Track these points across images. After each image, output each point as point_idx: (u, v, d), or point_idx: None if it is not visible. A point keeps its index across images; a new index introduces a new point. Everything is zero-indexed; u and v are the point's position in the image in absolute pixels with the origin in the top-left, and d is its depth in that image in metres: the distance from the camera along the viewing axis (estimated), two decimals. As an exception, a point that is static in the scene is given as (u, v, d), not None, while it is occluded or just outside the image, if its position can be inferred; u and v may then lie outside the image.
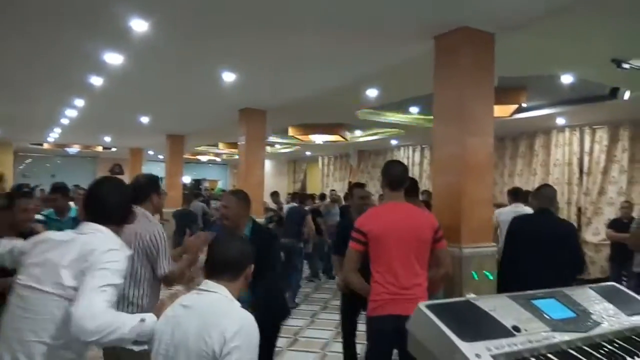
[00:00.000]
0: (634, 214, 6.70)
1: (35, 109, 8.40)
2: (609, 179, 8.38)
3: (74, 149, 15.62)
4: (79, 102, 7.66)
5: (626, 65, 4.70)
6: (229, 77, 5.63)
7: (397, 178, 3.02)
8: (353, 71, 5.34)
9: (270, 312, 2.98)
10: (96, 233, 1.83)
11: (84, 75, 5.81)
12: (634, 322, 1.59)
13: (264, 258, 2.89)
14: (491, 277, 3.81)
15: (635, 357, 1.41)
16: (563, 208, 8.71)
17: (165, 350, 1.65)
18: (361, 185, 4.70)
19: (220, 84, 5.88)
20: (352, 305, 3.99)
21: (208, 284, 1.73)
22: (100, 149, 15.74)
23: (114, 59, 5.02)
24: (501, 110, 7.00)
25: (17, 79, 6.32)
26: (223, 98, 6.76)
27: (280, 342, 4.06)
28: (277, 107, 7.23)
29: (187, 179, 17.08)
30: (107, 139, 13.11)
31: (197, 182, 19.28)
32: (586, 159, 8.67)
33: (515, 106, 7.16)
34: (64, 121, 9.58)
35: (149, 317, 1.72)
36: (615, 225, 6.59)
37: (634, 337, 1.52)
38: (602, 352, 1.39)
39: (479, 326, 1.32)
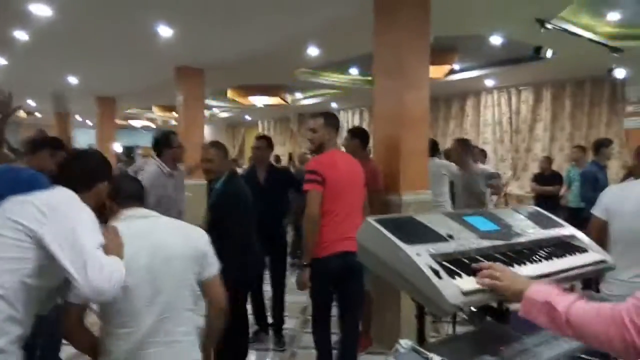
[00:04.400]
0: (554, 167, 7.32)
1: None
2: (535, 137, 9.04)
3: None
4: (0, 61, 7.16)
5: (549, 25, 5.05)
6: (165, 31, 5.47)
7: (338, 124, 3.19)
8: (293, 26, 5.35)
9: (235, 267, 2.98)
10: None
11: (6, 28, 5.43)
12: (548, 233, 1.83)
13: (224, 210, 3.00)
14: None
15: (549, 259, 1.64)
16: (497, 165, 9.34)
17: (151, 270, 1.75)
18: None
19: (156, 39, 5.70)
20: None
21: (140, 210, 1.92)
22: (23, 114, 14.73)
23: (40, 10, 4.74)
24: (435, 72, 7.28)
25: None
26: (158, 55, 6.55)
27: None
28: (215, 65, 7.12)
29: (118, 147, 16.01)
30: (31, 102, 12.31)
31: (128, 150, 18.53)
32: (514, 118, 9.29)
33: (448, 67, 7.48)
34: (-18, 82, 8.90)
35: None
36: (538, 179, 7.17)
37: (548, 245, 1.76)
38: (522, 254, 1.62)
39: (419, 234, 1.48)
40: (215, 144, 3.26)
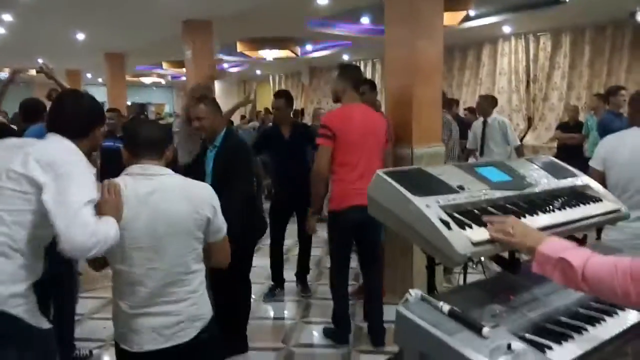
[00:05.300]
0: (580, 118, 7.10)
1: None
2: (552, 85, 8.79)
3: (4, 74, 14.53)
4: (6, 17, 7.06)
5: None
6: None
7: (359, 78, 3.14)
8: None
9: (239, 226, 2.87)
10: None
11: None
12: (562, 183, 1.80)
13: (230, 167, 2.88)
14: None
15: (562, 209, 1.63)
16: (511, 115, 9.12)
17: (150, 235, 1.69)
18: None
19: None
20: (283, 209, 4.24)
21: (149, 167, 1.77)
22: (34, 72, 14.68)
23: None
24: (450, 18, 7.03)
25: None
26: (165, 8, 6.41)
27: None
28: (224, 17, 6.92)
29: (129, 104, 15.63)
30: (40, 60, 12.22)
31: (141, 106, 18.36)
32: (532, 66, 9.01)
33: (464, 13, 7.20)
34: (-9, 40, 8.85)
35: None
36: (563, 127, 7.00)
37: (562, 195, 1.74)
38: (535, 205, 1.60)
39: (429, 186, 1.47)
40: (203, 100, 2.93)
